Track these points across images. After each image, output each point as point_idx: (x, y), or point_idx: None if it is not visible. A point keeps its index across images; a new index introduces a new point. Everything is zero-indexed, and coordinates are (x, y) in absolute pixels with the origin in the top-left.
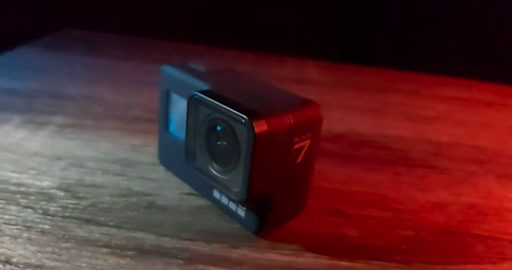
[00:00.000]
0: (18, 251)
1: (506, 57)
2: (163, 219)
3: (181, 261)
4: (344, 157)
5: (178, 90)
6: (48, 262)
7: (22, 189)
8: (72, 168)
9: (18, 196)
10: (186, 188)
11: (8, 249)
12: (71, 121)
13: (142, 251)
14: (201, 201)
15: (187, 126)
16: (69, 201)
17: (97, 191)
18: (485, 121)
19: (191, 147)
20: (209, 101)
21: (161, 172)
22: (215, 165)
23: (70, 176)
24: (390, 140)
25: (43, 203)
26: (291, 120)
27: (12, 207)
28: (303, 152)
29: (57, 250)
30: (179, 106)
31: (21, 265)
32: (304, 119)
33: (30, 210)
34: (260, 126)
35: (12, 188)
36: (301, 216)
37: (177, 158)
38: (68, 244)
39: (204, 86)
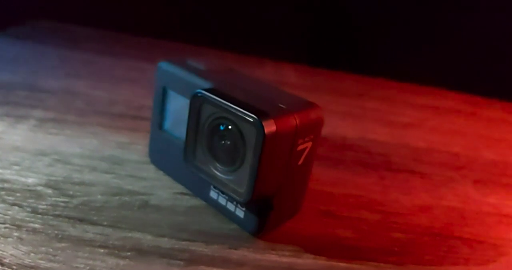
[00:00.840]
0: (9, 251)
1: (471, 67)
2: (159, 219)
3: (181, 262)
4: (331, 160)
5: (176, 88)
6: (43, 263)
7: (6, 185)
8: (58, 164)
9: (3, 192)
10: (179, 187)
11: None
12: (52, 116)
13: (141, 252)
14: (195, 201)
15: (188, 125)
16: (59, 199)
17: (87, 189)
18: (456, 129)
19: (191, 146)
20: (215, 99)
21: (151, 171)
22: (217, 165)
23: (57, 173)
24: (372, 144)
25: (31, 200)
26: (297, 122)
27: None
28: (305, 154)
29: (51, 250)
30: (176, 104)
31: (14, 266)
32: (308, 121)
33: (17, 208)
34: (269, 127)
35: None
36: (295, 217)
37: (170, 157)
38: (63, 244)
39: (206, 84)
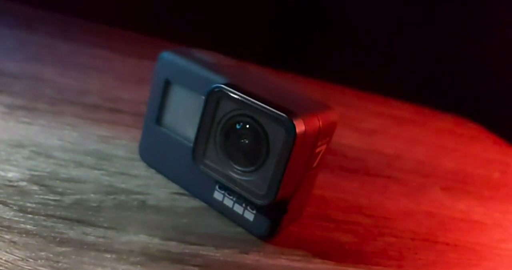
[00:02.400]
0: (3, 257)
1: (421, 80)
2: (161, 220)
3: (196, 268)
4: None
5: (183, 81)
6: None
7: None
8: (39, 157)
9: None
10: (175, 187)
11: None
12: (20, 103)
13: (151, 257)
14: (194, 202)
15: (201, 121)
16: (48, 197)
17: (77, 187)
18: (415, 137)
19: (202, 145)
20: (238, 95)
21: (142, 168)
22: (232, 165)
23: (39, 167)
24: (346, 148)
25: (17, 198)
26: (320, 123)
27: None
28: (319, 156)
29: (51, 255)
30: (181, 98)
31: None
32: (328, 123)
33: (2, 206)
34: (299, 126)
35: None
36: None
37: (166, 154)
38: (64, 248)
39: (220, 79)
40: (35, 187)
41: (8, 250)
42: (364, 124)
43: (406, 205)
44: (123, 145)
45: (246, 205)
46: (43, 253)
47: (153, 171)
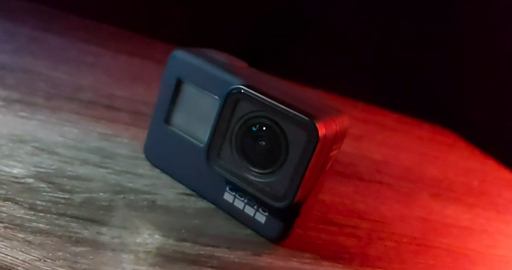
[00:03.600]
0: (19, 257)
1: (401, 89)
2: (173, 221)
3: None
4: None
5: (196, 81)
6: None
7: None
8: (42, 154)
9: None
10: (181, 187)
11: (6, 255)
12: (16, 97)
13: (168, 258)
14: (202, 203)
15: (217, 122)
16: (57, 195)
17: (86, 185)
18: (398, 144)
19: (217, 145)
20: (259, 97)
21: (147, 167)
22: (249, 166)
23: (44, 164)
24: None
25: (25, 195)
26: (337, 127)
27: None
28: (331, 160)
29: (68, 255)
30: (193, 98)
31: None
32: (343, 128)
33: (12, 204)
34: (321, 129)
35: None
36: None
37: (174, 154)
38: (80, 248)
39: (237, 80)
40: (43, 184)
41: (23, 249)
42: (351, 130)
43: (399, 210)
44: (124, 143)
45: (258, 207)
46: (60, 253)
47: (158, 170)
